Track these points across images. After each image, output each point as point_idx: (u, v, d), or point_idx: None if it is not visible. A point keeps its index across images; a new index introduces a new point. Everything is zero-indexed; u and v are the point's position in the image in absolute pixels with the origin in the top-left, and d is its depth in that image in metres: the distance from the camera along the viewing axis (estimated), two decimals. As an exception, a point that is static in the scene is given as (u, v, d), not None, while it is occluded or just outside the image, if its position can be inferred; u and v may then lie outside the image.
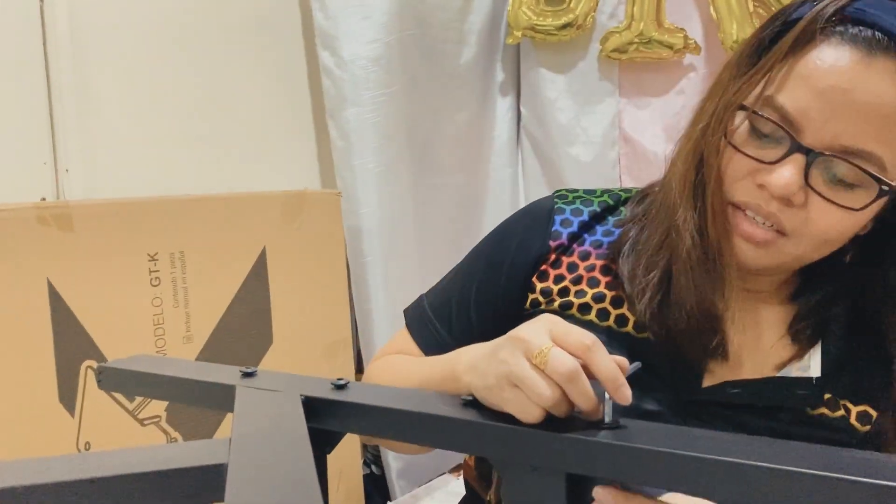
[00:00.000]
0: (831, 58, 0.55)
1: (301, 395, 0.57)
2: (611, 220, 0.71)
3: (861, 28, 0.55)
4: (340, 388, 0.59)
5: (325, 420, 0.57)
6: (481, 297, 0.73)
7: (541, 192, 1.96)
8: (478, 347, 0.58)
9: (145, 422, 1.17)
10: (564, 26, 1.78)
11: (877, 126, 0.54)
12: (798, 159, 0.56)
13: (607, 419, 0.49)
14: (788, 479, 0.41)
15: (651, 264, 0.65)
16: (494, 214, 1.95)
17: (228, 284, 1.25)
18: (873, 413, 0.65)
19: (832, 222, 0.58)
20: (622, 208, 0.71)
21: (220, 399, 0.62)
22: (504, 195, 1.96)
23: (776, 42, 0.59)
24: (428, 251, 1.72)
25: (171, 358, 0.82)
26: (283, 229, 1.31)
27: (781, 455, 0.43)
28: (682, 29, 1.75)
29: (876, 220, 0.61)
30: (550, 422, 0.50)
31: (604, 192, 0.74)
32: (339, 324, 1.40)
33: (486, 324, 0.72)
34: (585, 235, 0.70)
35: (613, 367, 0.49)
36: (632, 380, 0.50)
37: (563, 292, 0.69)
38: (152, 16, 1.35)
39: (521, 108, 1.94)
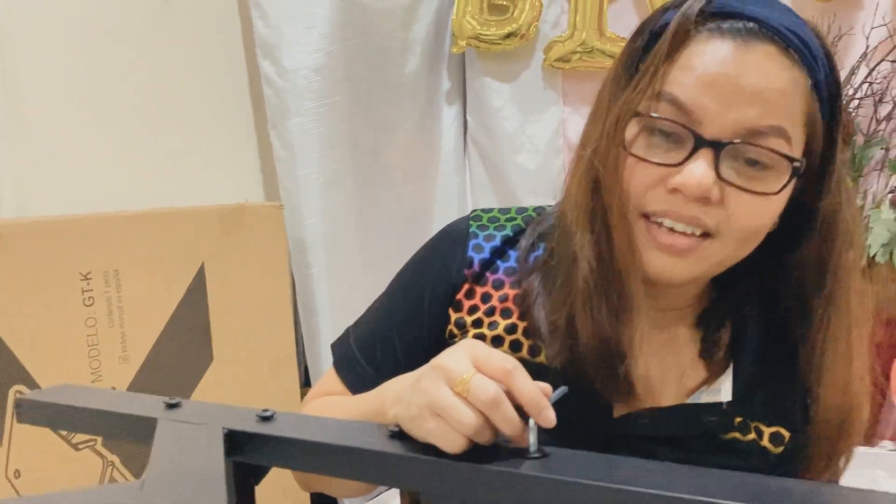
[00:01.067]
0: (710, 49, 0.55)
1: (223, 429, 0.55)
2: (524, 244, 0.69)
3: (731, 21, 0.55)
4: (266, 419, 0.58)
5: (250, 453, 0.55)
6: (405, 331, 0.71)
7: (488, 200, 1.96)
8: (404, 378, 0.57)
9: (80, 446, 1.13)
10: (508, 35, 1.79)
11: (775, 101, 0.54)
12: (706, 154, 0.55)
13: (532, 448, 0.48)
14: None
15: (556, 305, 0.62)
16: (442, 223, 1.92)
17: (166, 302, 1.22)
18: (786, 434, 0.64)
19: (753, 213, 0.57)
20: (528, 230, 0.69)
21: (142, 432, 0.60)
22: (452, 204, 1.96)
23: (650, 50, 0.58)
24: (375, 262, 1.71)
25: (96, 388, 0.79)
26: (222, 244, 1.28)
27: (705, 485, 0.43)
28: (623, 38, 1.77)
29: (782, 218, 0.61)
30: (475, 452, 0.49)
31: (518, 212, 0.72)
32: (284, 340, 1.38)
33: (413, 358, 0.69)
34: (499, 262, 0.68)
35: (536, 390, 0.48)
36: (557, 405, 0.50)
37: (477, 324, 0.68)
38: (84, 24, 1.31)
39: (468, 117, 1.94)
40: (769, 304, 0.65)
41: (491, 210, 0.73)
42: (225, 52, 1.58)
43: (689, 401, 0.65)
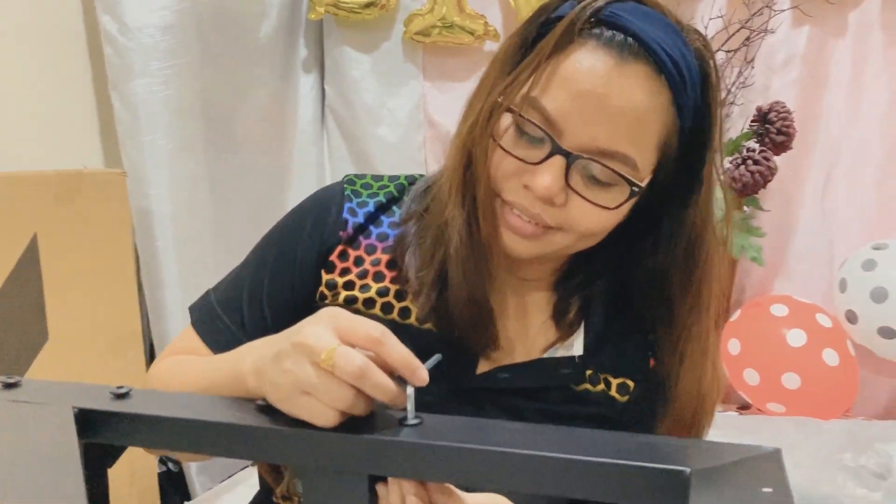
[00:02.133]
0: (588, 62, 0.57)
1: (74, 408, 0.50)
2: (396, 210, 0.70)
3: (615, 32, 0.58)
4: (121, 397, 0.54)
5: (104, 433, 0.51)
6: (274, 290, 0.70)
7: (347, 172, 1.93)
8: (261, 346, 0.54)
9: None
10: (368, 5, 1.75)
11: (629, 129, 0.58)
12: (558, 161, 0.58)
13: (410, 416, 0.48)
14: (584, 468, 0.43)
15: (426, 261, 0.66)
16: (299, 195, 1.87)
17: (-8, 276, 1.10)
18: (631, 384, 0.69)
19: (592, 219, 0.61)
20: (406, 199, 0.71)
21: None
22: (309, 175, 1.91)
23: (538, 41, 0.60)
24: (227, 234, 1.64)
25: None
26: (58, 214, 1.17)
27: (569, 444, 0.44)
28: (482, 15, 1.78)
29: (632, 208, 0.64)
30: (351, 421, 0.48)
31: (390, 179, 0.73)
32: (127, 316, 1.29)
33: (280, 318, 0.68)
34: (371, 227, 0.69)
35: (406, 352, 0.48)
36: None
37: (349, 286, 0.68)
38: None
39: (326, 87, 1.89)
40: (620, 273, 0.69)
41: (364, 176, 0.73)
42: (60, 5, 1.44)
43: (546, 356, 0.69)
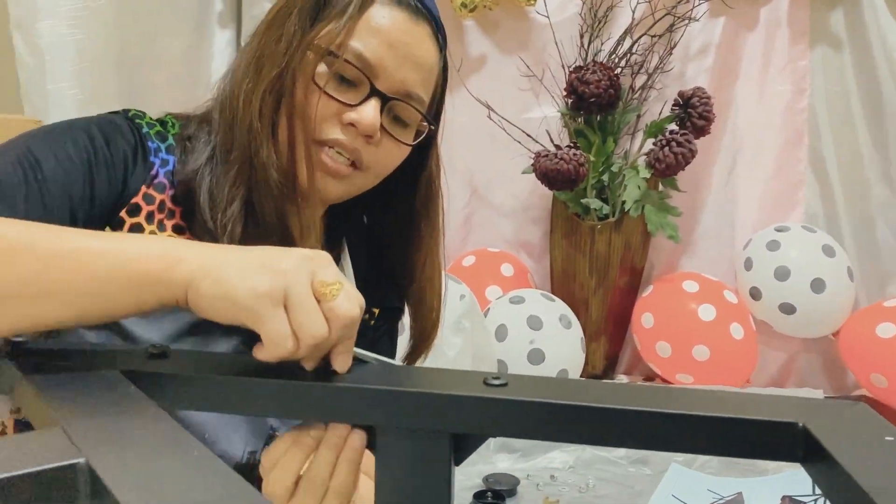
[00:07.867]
0: (391, 16, 0.66)
1: (119, 370, 0.45)
2: (172, 145, 0.69)
3: None
4: (158, 356, 0.49)
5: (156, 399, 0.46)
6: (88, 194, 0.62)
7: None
8: (219, 248, 0.51)
9: None
10: (295, -40, 1.67)
11: (424, 76, 0.69)
12: (376, 102, 0.66)
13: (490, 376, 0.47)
14: (682, 421, 0.43)
15: (230, 198, 0.66)
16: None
17: None
18: (376, 311, 0.80)
19: (393, 157, 0.70)
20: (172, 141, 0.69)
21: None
22: (221, 137, 1.81)
23: None
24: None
25: None
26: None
27: (677, 400, 0.45)
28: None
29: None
30: (435, 380, 0.46)
31: (160, 120, 0.71)
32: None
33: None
34: (159, 168, 0.68)
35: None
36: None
37: (137, 229, 0.66)
38: None
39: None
40: (372, 217, 0.80)
41: (142, 113, 0.70)
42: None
43: None
